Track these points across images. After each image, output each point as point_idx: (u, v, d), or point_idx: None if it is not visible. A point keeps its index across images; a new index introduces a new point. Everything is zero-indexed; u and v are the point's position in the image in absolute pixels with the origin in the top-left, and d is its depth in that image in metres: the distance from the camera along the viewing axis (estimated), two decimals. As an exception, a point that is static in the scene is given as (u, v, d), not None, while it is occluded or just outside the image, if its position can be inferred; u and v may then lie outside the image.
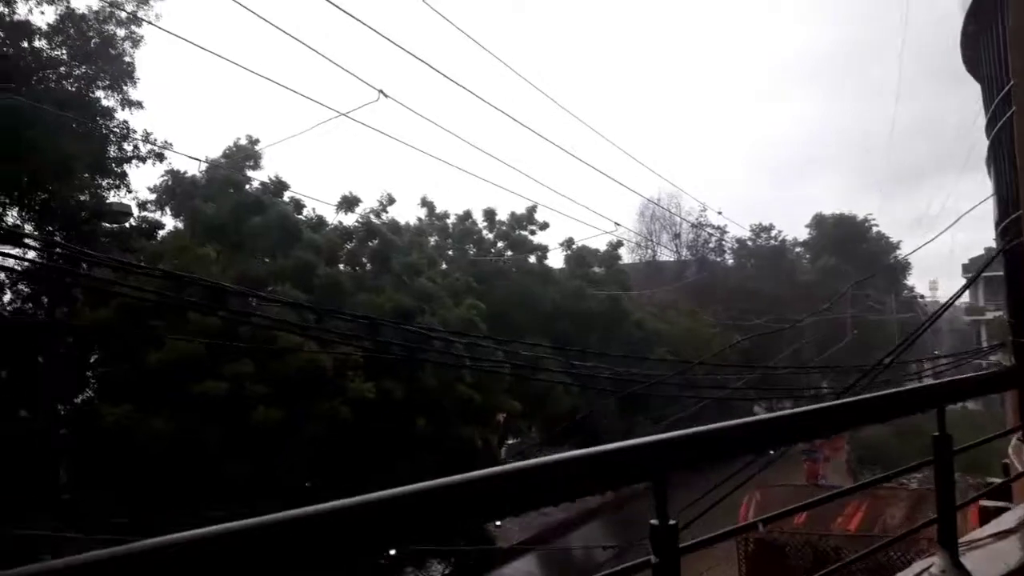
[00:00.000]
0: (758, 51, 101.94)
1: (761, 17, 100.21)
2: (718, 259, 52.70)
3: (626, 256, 40.82)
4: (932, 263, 79.05)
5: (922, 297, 59.78)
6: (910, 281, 60.32)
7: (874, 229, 56.39)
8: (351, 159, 63.59)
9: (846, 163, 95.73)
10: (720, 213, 40.89)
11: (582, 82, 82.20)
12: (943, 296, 51.64)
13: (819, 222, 56.83)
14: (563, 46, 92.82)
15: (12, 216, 15.59)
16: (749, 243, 51.28)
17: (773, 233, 52.59)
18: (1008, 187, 8.81)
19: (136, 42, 15.94)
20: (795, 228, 62.71)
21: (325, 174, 57.61)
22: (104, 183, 16.38)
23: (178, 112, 47.72)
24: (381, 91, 11.62)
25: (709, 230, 48.64)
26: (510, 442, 29.30)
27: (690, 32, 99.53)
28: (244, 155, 19.34)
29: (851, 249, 52.02)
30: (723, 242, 51.35)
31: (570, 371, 19.04)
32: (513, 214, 30.16)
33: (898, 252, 53.79)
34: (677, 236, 52.80)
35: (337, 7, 8.57)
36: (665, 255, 53.44)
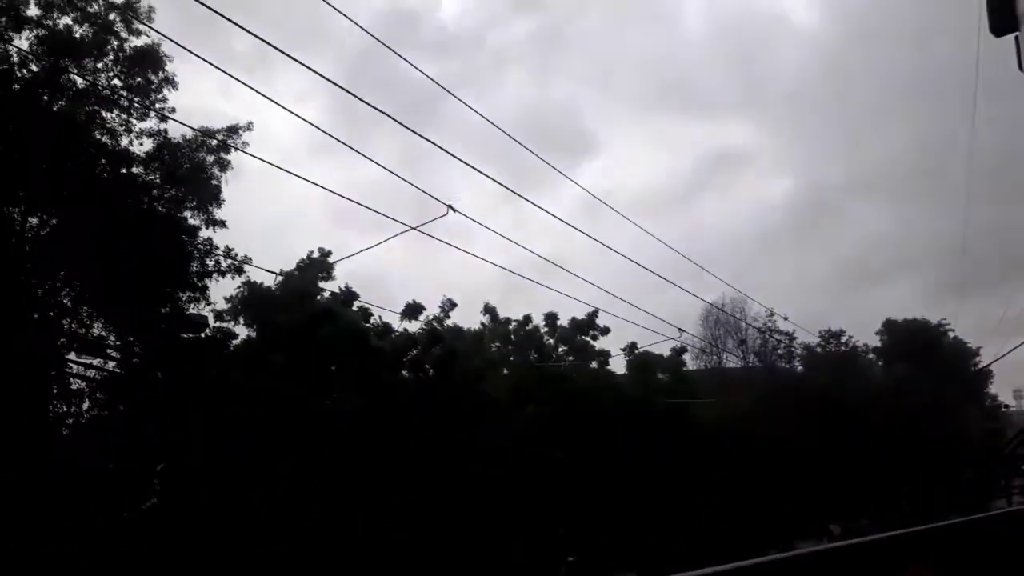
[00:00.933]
0: (825, 155, 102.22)
1: (826, 122, 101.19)
2: (786, 365, 51.09)
3: (690, 362, 39.95)
4: (1016, 370, 74.69)
5: (1007, 407, 56.49)
6: (992, 389, 57.11)
7: (950, 335, 54.07)
8: (419, 265, 65.44)
9: (917, 269, 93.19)
10: (786, 319, 39.94)
11: (645, 184, 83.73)
12: (1030, 406, 48.67)
13: (890, 327, 54.87)
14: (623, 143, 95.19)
15: (97, 327, 16.29)
16: (818, 349, 49.73)
17: (843, 339, 50.96)
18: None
19: (224, 166, 16.86)
20: (864, 334, 60.50)
21: (394, 278, 59.34)
22: (185, 296, 17.03)
23: (256, 223, 50.33)
24: (450, 206, 12.11)
25: (776, 336, 47.38)
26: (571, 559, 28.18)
27: (751, 139, 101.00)
28: (317, 268, 20.16)
29: (925, 355, 49.83)
30: (792, 348, 49.87)
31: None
32: (574, 319, 30.24)
33: (978, 359, 51.20)
34: (743, 342, 51.61)
35: (411, 130, 9.12)
36: (731, 362, 52.08)
